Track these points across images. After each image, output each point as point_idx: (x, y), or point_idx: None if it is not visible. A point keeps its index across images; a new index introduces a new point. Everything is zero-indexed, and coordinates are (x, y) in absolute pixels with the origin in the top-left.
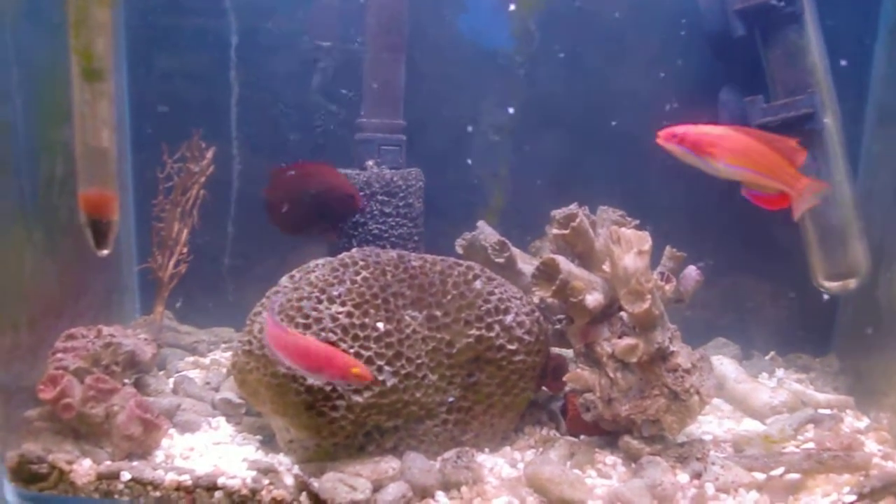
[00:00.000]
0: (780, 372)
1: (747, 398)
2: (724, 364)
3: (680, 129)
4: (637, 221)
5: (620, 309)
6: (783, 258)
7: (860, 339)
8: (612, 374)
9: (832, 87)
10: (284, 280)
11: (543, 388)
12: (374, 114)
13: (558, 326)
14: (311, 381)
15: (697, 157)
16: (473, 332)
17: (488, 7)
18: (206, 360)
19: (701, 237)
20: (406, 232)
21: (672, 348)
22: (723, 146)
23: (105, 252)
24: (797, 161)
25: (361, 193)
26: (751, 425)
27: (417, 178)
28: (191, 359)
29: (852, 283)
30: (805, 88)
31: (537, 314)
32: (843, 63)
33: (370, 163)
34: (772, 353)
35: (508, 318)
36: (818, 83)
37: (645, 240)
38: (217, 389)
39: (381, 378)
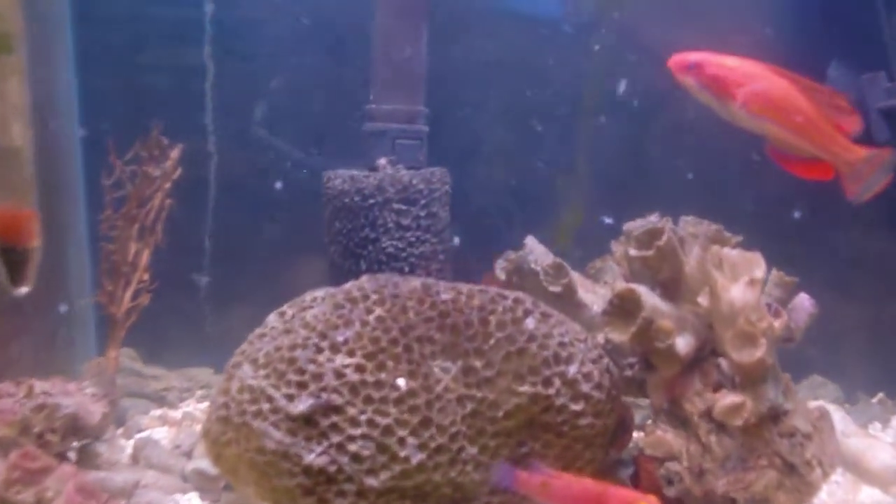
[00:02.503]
0: (895, 421)
1: (862, 458)
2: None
3: (696, 57)
4: (740, 238)
5: (714, 353)
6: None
7: None
8: (704, 439)
9: None
10: (273, 318)
11: None
12: (388, 98)
13: (629, 373)
14: (310, 458)
15: (715, 96)
16: (526, 388)
17: None
18: (177, 414)
19: (786, 248)
20: (429, 250)
21: (786, 406)
22: (747, 88)
23: (23, 290)
24: (849, 126)
25: (371, 201)
26: (872, 496)
27: (442, 181)
28: (157, 412)
29: None
30: None
31: (606, 361)
32: None
33: (382, 161)
34: (880, 394)
35: (572, 370)
36: None
37: (756, 264)
38: (189, 455)
39: (403, 454)
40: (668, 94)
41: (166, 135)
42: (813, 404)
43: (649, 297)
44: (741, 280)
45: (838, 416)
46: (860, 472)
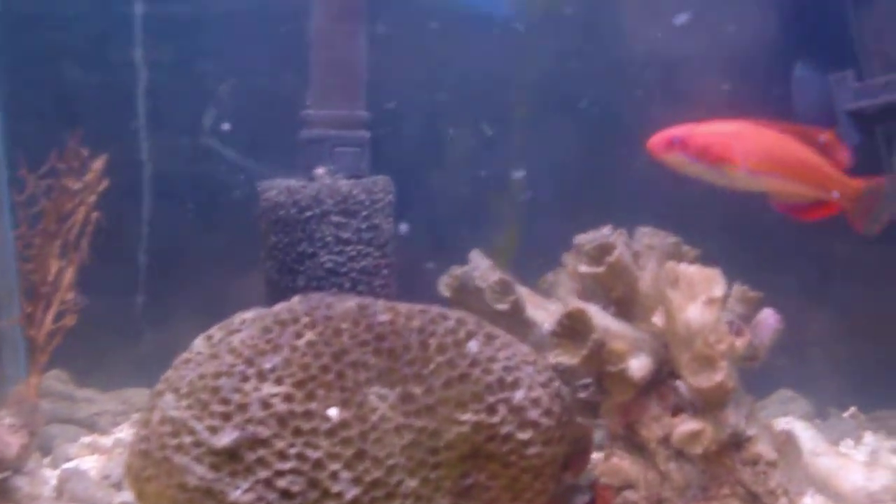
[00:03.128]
0: (868, 437)
1: (834, 479)
2: (796, 429)
3: (679, 132)
4: (698, 251)
5: (673, 375)
6: (859, 278)
7: None
8: (663, 466)
9: None
10: (199, 342)
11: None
12: (325, 103)
13: (583, 395)
14: (235, 494)
15: (709, 166)
16: (469, 416)
17: None
18: (108, 441)
19: (757, 257)
20: (371, 265)
21: (749, 432)
22: (742, 148)
23: None
24: (842, 161)
25: (308, 213)
26: None
27: (386, 191)
28: (87, 439)
29: None
30: None
31: (557, 385)
32: None
33: (320, 170)
34: (852, 409)
35: (518, 395)
36: None
37: (715, 282)
38: (119, 487)
39: (336, 489)
40: (625, 93)
41: (97, 144)
42: (782, 421)
43: (601, 318)
44: (698, 299)
45: (808, 433)
46: (831, 493)
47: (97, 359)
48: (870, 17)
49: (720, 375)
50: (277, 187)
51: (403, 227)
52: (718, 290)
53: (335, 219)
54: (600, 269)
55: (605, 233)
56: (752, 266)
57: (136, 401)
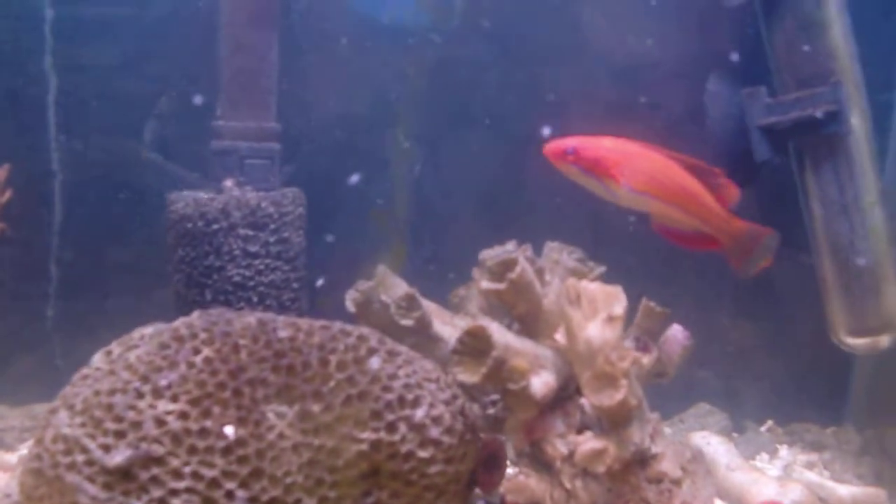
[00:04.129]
0: (784, 451)
1: (747, 494)
2: (712, 444)
3: (573, 142)
4: (602, 269)
5: (579, 392)
6: (780, 293)
7: (889, 407)
8: (569, 484)
9: (861, 76)
10: (98, 358)
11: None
12: (235, 114)
13: (491, 411)
14: None
15: (597, 179)
16: (368, 435)
17: None
18: (13, 458)
19: (675, 271)
20: (281, 279)
21: (654, 449)
22: (629, 167)
23: None
24: (728, 199)
25: (216, 226)
26: None
27: (296, 203)
28: None
29: (885, 341)
30: (825, 78)
31: (461, 402)
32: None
33: (229, 182)
34: (769, 422)
35: (419, 413)
36: (843, 71)
37: (616, 299)
38: None
39: None
40: (542, 103)
41: (6, 153)
42: (699, 435)
43: (502, 335)
44: (599, 317)
45: (723, 448)
46: None
47: (5, 373)
48: (781, 33)
49: (621, 394)
50: (185, 199)
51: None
52: (619, 307)
53: (243, 232)
54: (502, 286)
55: (508, 248)
56: (670, 280)
57: (44, 416)
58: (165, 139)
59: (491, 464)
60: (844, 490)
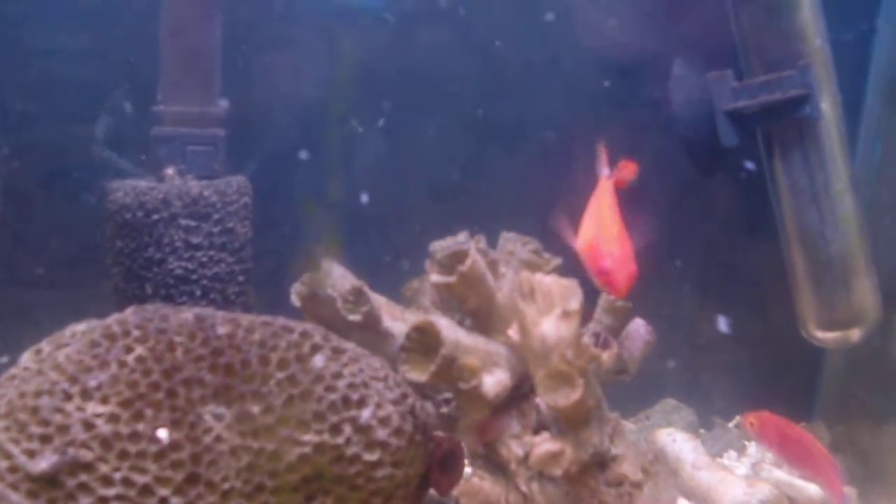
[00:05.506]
0: (752, 448)
1: (712, 494)
2: (678, 441)
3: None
4: (559, 261)
5: (535, 390)
6: (750, 284)
7: (860, 403)
8: (525, 487)
9: (831, 59)
10: (27, 357)
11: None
12: (176, 98)
13: (445, 410)
14: None
15: None
16: (310, 437)
17: None
18: None
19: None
20: (225, 271)
21: (614, 451)
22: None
23: None
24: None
25: (156, 216)
26: None
27: (241, 192)
28: None
29: (856, 335)
30: (794, 60)
31: (411, 401)
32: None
33: (170, 171)
34: (737, 417)
35: (365, 414)
36: (812, 53)
37: (572, 294)
38: None
39: None
40: (504, 88)
41: None
42: (664, 432)
43: (452, 331)
44: (553, 312)
45: (689, 445)
46: None
47: None
48: (748, 14)
49: (578, 393)
50: (124, 188)
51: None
52: (575, 302)
53: (184, 222)
54: (452, 279)
55: (460, 239)
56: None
57: None
58: (119, 134)
59: (447, 464)
60: (814, 488)
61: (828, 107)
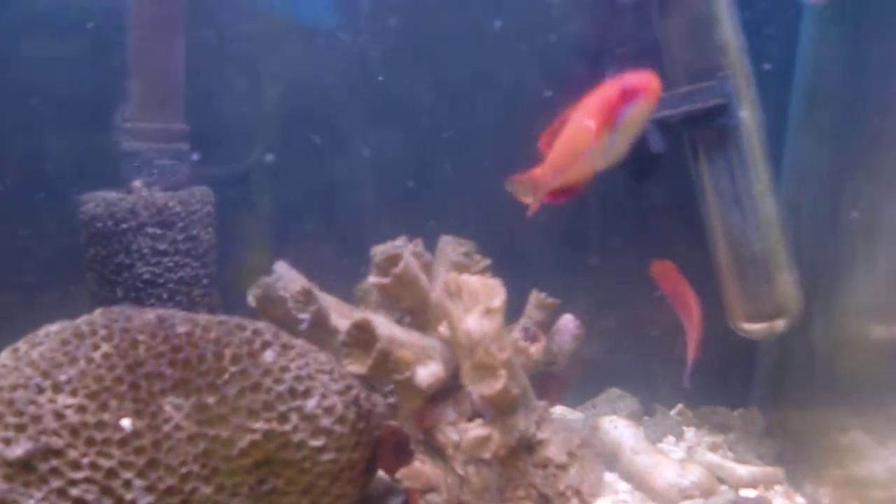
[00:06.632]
0: (690, 433)
1: (648, 476)
2: (619, 428)
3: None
4: (487, 262)
5: None
6: (693, 281)
7: (789, 389)
8: (461, 471)
9: (750, 70)
10: (5, 355)
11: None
12: (144, 116)
13: (391, 400)
14: None
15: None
16: (260, 425)
17: None
18: None
19: (589, 255)
20: (190, 275)
21: (540, 436)
22: None
23: None
24: None
25: (125, 225)
26: None
27: (204, 202)
28: None
29: (780, 325)
30: (715, 72)
31: (355, 392)
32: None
33: (137, 183)
34: (679, 406)
35: (310, 404)
36: (731, 65)
37: (495, 292)
38: None
39: (129, 497)
40: (452, 101)
41: None
42: (607, 419)
43: (387, 328)
44: (477, 309)
45: (629, 432)
46: (647, 490)
47: None
48: (673, 29)
49: (501, 383)
50: (95, 200)
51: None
52: (498, 300)
53: (151, 230)
54: (386, 280)
55: (397, 244)
56: (585, 268)
57: None
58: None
59: (399, 451)
60: (744, 470)
61: (747, 114)
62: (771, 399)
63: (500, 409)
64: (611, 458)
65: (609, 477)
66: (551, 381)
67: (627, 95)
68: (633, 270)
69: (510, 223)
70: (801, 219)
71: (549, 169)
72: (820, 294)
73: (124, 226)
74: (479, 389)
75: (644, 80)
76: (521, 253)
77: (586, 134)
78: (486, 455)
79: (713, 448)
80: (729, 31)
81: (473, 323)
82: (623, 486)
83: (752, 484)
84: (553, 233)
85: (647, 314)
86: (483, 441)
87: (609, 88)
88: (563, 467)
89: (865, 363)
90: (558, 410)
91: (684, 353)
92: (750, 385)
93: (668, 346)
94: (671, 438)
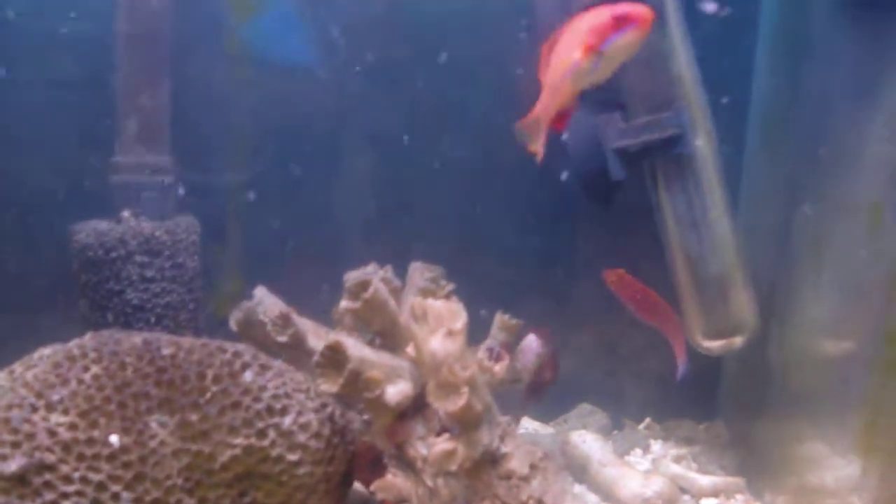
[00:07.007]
0: (657, 446)
1: (614, 487)
2: (588, 442)
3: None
4: (451, 287)
5: None
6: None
7: (749, 402)
8: (430, 483)
9: (704, 101)
10: (1, 377)
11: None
12: (132, 150)
13: (366, 417)
14: None
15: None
16: (240, 441)
17: (280, 12)
18: None
19: (559, 278)
20: (177, 300)
21: (504, 449)
22: None
23: None
24: None
25: (114, 254)
26: None
27: (190, 231)
28: None
29: (738, 342)
30: (671, 104)
31: (330, 409)
32: (719, 69)
33: (126, 214)
34: (647, 420)
35: (287, 421)
36: (686, 97)
37: (457, 315)
38: None
39: None
40: (423, 129)
41: None
42: (576, 434)
43: (357, 349)
44: (440, 332)
45: (597, 445)
46: (613, 500)
47: None
48: (632, 63)
49: (464, 400)
50: (86, 230)
51: None
52: (459, 322)
53: (139, 259)
54: (357, 305)
55: (367, 270)
56: (558, 290)
57: None
58: None
59: (375, 465)
60: (706, 480)
61: (703, 143)
62: (734, 412)
63: (464, 425)
64: (580, 471)
65: (578, 489)
66: (543, 371)
67: (619, 23)
68: (603, 292)
69: (485, 248)
70: (758, 240)
71: (544, 97)
72: (775, 311)
73: (114, 254)
74: (444, 406)
75: (637, 10)
76: (496, 276)
77: (573, 57)
78: (453, 468)
79: (678, 460)
80: (683, 64)
81: (437, 344)
82: (591, 497)
83: (714, 493)
84: (527, 256)
85: (618, 333)
86: (449, 454)
87: (602, 13)
88: (525, 479)
89: (816, 376)
90: (532, 426)
91: (672, 357)
92: (716, 399)
93: (638, 364)
94: (638, 451)
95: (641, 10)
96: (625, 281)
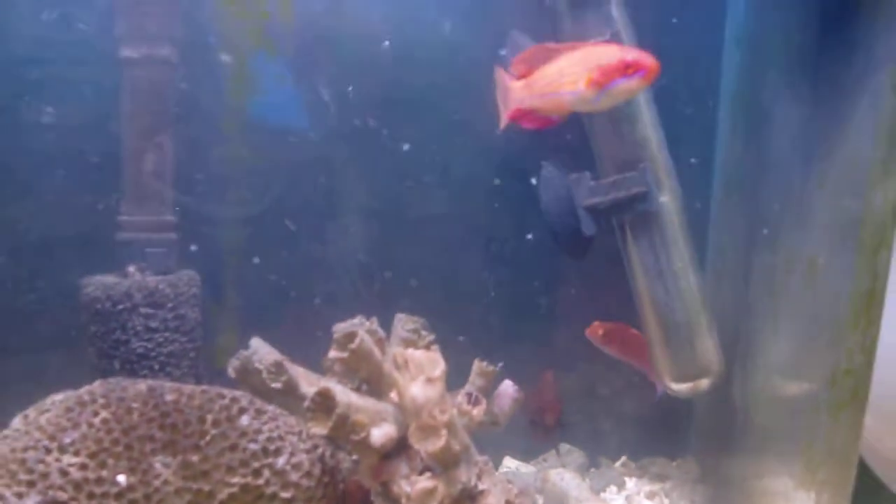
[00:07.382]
0: (631, 483)
1: None
2: (566, 479)
3: None
4: (431, 337)
5: None
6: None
7: (717, 440)
8: None
9: (669, 160)
10: (17, 421)
11: None
12: (137, 210)
13: (355, 457)
14: None
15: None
16: (237, 479)
17: (276, 81)
18: None
19: (542, 326)
20: (178, 349)
21: (481, 486)
22: None
23: None
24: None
25: (121, 306)
26: None
27: (190, 285)
28: None
29: (704, 384)
30: (636, 163)
31: (321, 450)
32: (690, 132)
33: (131, 268)
34: (622, 458)
35: (281, 461)
36: (652, 157)
37: (436, 364)
38: None
39: None
40: (410, 188)
41: None
42: (554, 472)
43: (345, 395)
44: (420, 379)
45: (574, 482)
46: None
47: None
48: (599, 125)
49: (442, 441)
50: (95, 283)
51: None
52: (438, 370)
53: (144, 310)
54: (344, 355)
55: (355, 322)
56: (538, 337)
57: None
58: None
59: (365, 502)
60: None
61: (668, 200)
62: (704, 449)
63: (443, 464)
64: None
65: None
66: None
67: (629, 69)
68: (582, 338)
69: (469, 298)
70: (722, 288)
71: (527, 89)
72: (739, 354)
73: (120, 307)
74: (425, 447)
75: (646, 60)
76: (479, 325)
77: (578, 83)
78: None
79: (651, 495)
80: (648, 127)
81: (418, 390)
82: None
83: None
84: (510, 306)
85: (596, 376)
86: (430, 492)
87: (615, 54)
88: None
89: (776, 415)
90: (514, 464)
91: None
92: (688, 437)
93: (615, 406)
94: (613, 488)
95: (650, 61)
96: (609, 334)
